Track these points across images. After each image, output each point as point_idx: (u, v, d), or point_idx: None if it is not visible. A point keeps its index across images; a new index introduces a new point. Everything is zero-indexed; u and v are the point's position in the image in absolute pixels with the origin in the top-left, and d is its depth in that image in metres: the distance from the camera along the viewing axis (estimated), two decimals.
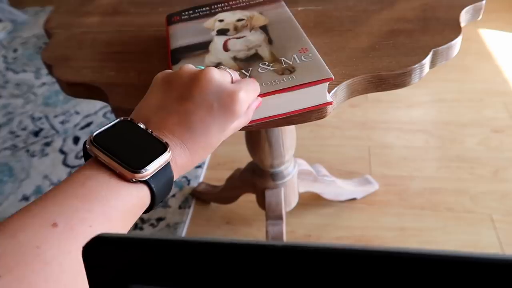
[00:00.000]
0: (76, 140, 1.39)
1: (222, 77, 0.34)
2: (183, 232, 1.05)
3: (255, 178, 0.87)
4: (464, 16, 0.51)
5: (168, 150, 0.29)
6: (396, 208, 1.04)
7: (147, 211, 0.30)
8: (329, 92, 0.40)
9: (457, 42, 0.46)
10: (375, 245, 0.94)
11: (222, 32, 0.48)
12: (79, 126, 1.45)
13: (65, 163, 1.30)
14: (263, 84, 0.39)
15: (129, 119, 0.32)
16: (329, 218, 1.04)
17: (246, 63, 0.42)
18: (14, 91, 1.68)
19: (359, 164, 1.17)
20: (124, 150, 0.29)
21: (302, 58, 0.41)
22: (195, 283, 0.14)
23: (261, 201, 0.89)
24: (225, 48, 0.45)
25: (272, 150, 0.77)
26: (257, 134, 0.75)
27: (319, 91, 0.39)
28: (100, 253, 0.15)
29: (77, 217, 0.24)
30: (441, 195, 1.06)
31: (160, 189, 0.29)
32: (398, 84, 0.43)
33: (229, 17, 0.50)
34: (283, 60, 0.41)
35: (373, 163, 1.17)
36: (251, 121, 0.39)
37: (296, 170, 0.87)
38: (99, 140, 0.29)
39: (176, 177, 0.31)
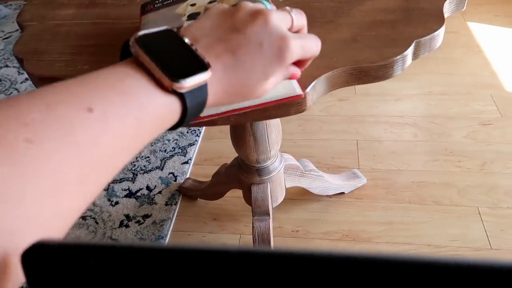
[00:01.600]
0: None
1: (282, 20, 0.33)
2: (170, 229, 1.03)
3: (241, 173, 0.85)
4: (448, 7, 0.50)
5: (208, 70, 0.28)
6: (384, 202, 1.04)
7: (173, 128, 0.30)
8: (307, 85, 0.39)
9: (440, 33, 0.45)
10: (360, 242, 0.94)
11: (192, 17, 0.46)
12: None
13: None
14: None
15: (175, 30, 0.30)
16: (317, 213, 1.03)
17: None
18: None
19: (347, 158, 1.16)
20: (166, 57, 0.27)
21: None
22: None
23: (248, 197, 0.88)
24: None
25: (257, 145, 0.76)
26: (242, 129, 0.74)
27: (285, 84, 0.38)
28: (41, 264, 0.14)
29: (113, 111, 0.23)
30: (428, 188, 1.06)
31: (192, 107, 0.28)
32: (380, 76, 0.42)
33: (201, 1, 0.49)
34: None
35: (361, 157, 1.16)
36: (223, 113, 0.37)
37: (283, 165, 0.86)
38: (144, 41, 0.28)
39: (208, 106, 0.30)
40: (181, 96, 0.27)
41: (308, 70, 0.41)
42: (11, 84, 1.65)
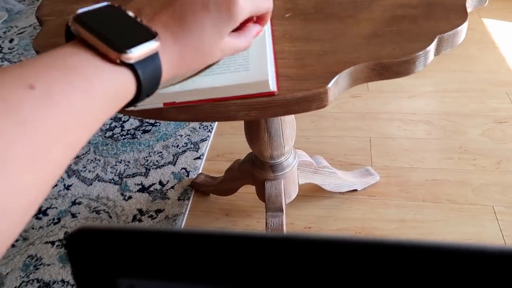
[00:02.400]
0: None
1: None
2: (182, 224, 1.04)
3: (255, 169, 0.85)
4: (471, 2, 0.49)
5: (156, 38, 0.28)
6: (397, 199, 1.03)
7: (131, 103, 0.29)
8: (329, 81, 0.39)
9: (463, 28, 0.44)
10: (374, 236, 0.93)
11: None
12: None
13: None
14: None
15: (117, 5, 0.30)
16: (329, 210, 1.03)
17: None
18: None
19: (360, 155, 1.16)
20: (110, 31, 0.26)
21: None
22: (185, 275, 0.13)
23: (261, 193, 0.88)
24: None
25: (272, 141, 0.76)
26: (257, 125, 0.74)
27: (259, 77, 0.38)
28: (84, 246, 0.14)
29: (57, 86, 0.23)
30: (443, 186, 1.04)
31: (146, 79, 0.27)
32: (402, 72, 0.42)
33: None
34: None
35: (374, 154, 1.15)
36: (195, 101, 0.38)
37: (296, 162, 0.86)
38: (83, 19, 0.27)
39: (165, 77, 0.30)
40: (132, 68, 0.27)
41: (330, 66, 0.41)
42: None
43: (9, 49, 1.89)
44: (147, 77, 0.27)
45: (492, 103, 1.26)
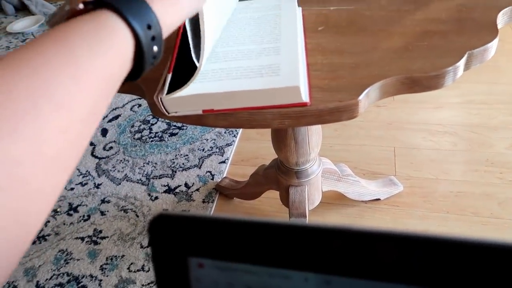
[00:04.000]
0: (104, 132, 1.43)
1: None
2: None
3: (280, 175, 0.87)
4: (501, 18, 0.50)
5: None
6: (421, 210, 1.03)
7: (141, 59, 0.26)
8: (360, 93, 0.41)
9: (493, 45, 0.46)
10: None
11: None
12: (107, 119, 1.49)
13: (93, 154, 1.34)
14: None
15: None
16: (352, 218, 1.04)
17: None
18: None
19: (383, 164, 1.16)
20: None
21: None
22: (245, 257, 0.16)
23: (285, 198, 0.90)
24: None
25: (298, 148, 0.78)
26: (284, 132, 0.76)
27: (293, 92, 0.40)
28: (163, 229, 0.16)
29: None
30: (467, 199, 1.04)
31: (129, 9, 0.25)
32: (431, 86, 0.43)
33: None
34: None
35: (398, 164, 1.15)
36: (232, 109, 0.40)
37: (321, 169, 0.87)
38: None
39: (170, 15, 0.28)
40: (111, 8, 0.24)
41: (361, 78, 0.43)
42: None
43: None
44: (130, 11, 0.25)
45: None
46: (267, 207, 1.09)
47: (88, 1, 0.24)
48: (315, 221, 0.15)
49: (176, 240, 0.16)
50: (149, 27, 0.26)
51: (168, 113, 0.43)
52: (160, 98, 0.42)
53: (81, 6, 0.24)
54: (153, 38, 0.27)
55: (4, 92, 0.18)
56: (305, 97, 0.40)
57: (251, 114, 0.41)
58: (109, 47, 0.23)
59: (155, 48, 0.27)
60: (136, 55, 0.26)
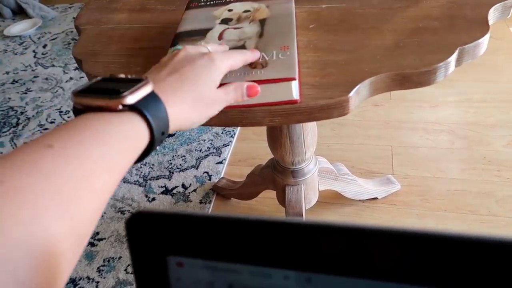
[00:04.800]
0: None
1: (196, 48, 0.40)
2: None
3: (276, 174, 0.87)
4: (493, 14, 0.50)
5: (145, 79, 0.31)
6: (418, 209, 1.03)
7: (150, 148, 0.31)
8: (350, 90, 0.41)
9: (484, 41, 0.45)
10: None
11: (225, 21, 0.50)
12: None
13: None
14: (233, 75, 0.42)
15: (109, 75, 0.34)
16: (349, 217, 1.04)
17: None
18: (43, 85, 1.74)
19: (381, 163, 1.16)
20: (104, 90, 0.30)
21: (280, 55, 0.43)
22: (227, 255, 0.15)
23: (281, 198, 0.90)
24: (220, 37, 0.48)
25: (293, 147, 0.78)
26: (279, 131, 0.76)
27: (284, 88, 0.40)
28: (141, 227, 0.16)
29: (72, 141, 0.25)
30: (465, 197, 1.04)
31: (154, 118, 0.30)
32: (422, 82, 0.43)
33: (239, 8, 0.52)
34: (262, 54, 0.44)
35: (395, 163, 1.15)
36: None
37: (317, 168, 0.87)
38: (80, 92, 0.31)
39: (172, 128, 0.33)
40: (136, 110, 0.29)
41: (352, 75, 0.42)
42: (56, 83, 1.74)
43: (42, 54, 1.97)
44: (154, 117, 0.30)
45: None
46: (264, 207, 1.09)
47: (126, 104, 0.29)
48: (294, 218, 0.15)
49: (154, 238, 0.16)
50: (163, 133, 0.32)
51: None
52: None
53: (120, 107, 0.29)
54: (161, 141, 0.33)
55: (53, 175, 0.23)
56: (295, 94, 0.40)
57: (242, 112, 0.41)
58: (134, 146, 0.29)
59: (159, 145, 0.33)
60: (147, 150, 0.32)
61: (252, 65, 0.42)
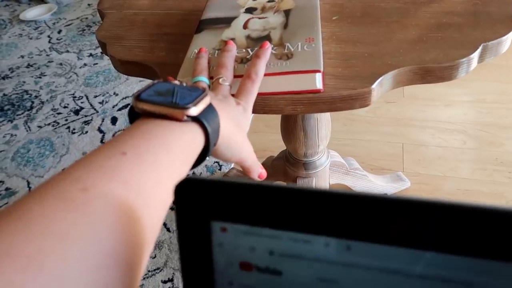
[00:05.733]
0: (114, 120, 1.44)
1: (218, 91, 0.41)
2: None
3: (288, 166, 0.88)
4: None
5: (205, 91, 0.33)
6: None
7: (204, 154, 0.32)
8: (373, 81, 0.41)
9: (508, 38, 0.46)
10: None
11: (249, 10, 0.50)
12: (117, 107, 1.50)
13: (103, 142, 1.36)
14: None
15: (165, 79, 0.35)
16: None
17: (256, 43, 0.45)
18: (58, 71, 1.75)
19: (391, 160, 1.16)
20: (169, 98, 0.31)
21: (305, 47, 0.43)
22: (269, 222, 0.16)
23: None
24: (245, 26, 0.48)
25: (307, 139, 0.78)
26: (294, 123, 0.76)
27: (308, 78, 0.41)
28: (188, 193, 0.17)
29: (142, 149, 0.27)
30: (475, 197, 1.04)
31: (211, 127, 0.32)
32: (445, 77, 0.43)
33: None
34: (287, 45, 0.44)
35: (406, 160, 1.15)
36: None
37: (329, 161, 0.88)
38: (143, 97, 0.31)
39: (224, 132, 0.34)
40: (197, 121, 0.31)
41: (374, 67, 0.43)
42: (70, 68, 1.76)
43: (57, 39, 1.99)
44: (211, 125, 0.32)
45: None
46: None
47: (190, 116, 0.30)
48: (336, 189, 0.16)
49: (200, 204, 0.17)
50: (215, 144, 0.34)
51: None
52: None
53: (185, 118, 0.30)
54: (216, 134, 0.34)
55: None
56: (319, 84, 0.41)
57: (264, 99, 0.42)
58: (194, 155, 0.31)
59: (216, 139, 0.34)
60: (198, 159, 0.33)
61: (278, 56, 0.42)
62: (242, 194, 0.16)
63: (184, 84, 0.33)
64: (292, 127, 0.78)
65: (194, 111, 0.30)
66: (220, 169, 1.19)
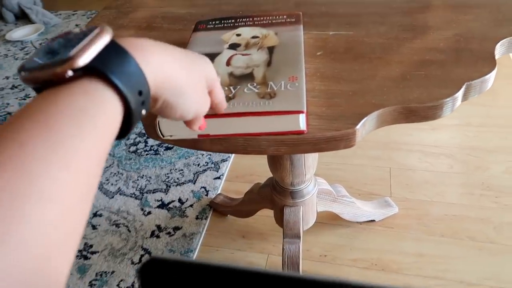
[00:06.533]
0: None
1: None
2: (199, 243, 1.05)
3: (274, 194, 0.86)
4: (499, 49, 0.50)
5: (100, 27, 0.24)
6: (416, 233, 1.02)
7: (130, 118, 0.25)
8: (357, 122, 0.40)
9: (491, 76, 0.46)
10: (389, 272, 0.92)
11: (233, 46, 0.50)
12: None
13: None
14: (241, 104, 0.41)
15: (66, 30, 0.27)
16: (346, 238, 1.03)
17: (238, 81, 0.45)
18: None
19: (379, 185, 1.16)
20: (56, 56, 0.23)
21: (288, 86, 0.43)
22: None
23: (279, 218, 0.89)
24: (228, 62, 0.47)
25: (294, 168, 0.77)
26: None
27: (291, 119, 0.40)
28: (154, 273, 0.16)
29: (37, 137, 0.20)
30: (463, 222, 1.03)
31: (122, 76, 0.23)
32: (429, 117, 0.43)
33: (247, 33, 0.52)
34: (271, 84, 0.43)
35: (393, 185, 1.15)
36: (228, 134, 0.41)
37: (316, 189, 0.87)
38: (27, 66, 0.24)
39: (157, 84, 0.26)
40: (96, 72, 0.23)
41: (358, 107, 0.42)
42: None
43: None
44: (119, 73, 0.23)
45: None
46: (261, 226, 1.08)
47: (77, 68, 0.23)
48: (305, 274, 0.15)
49: (167, 285, 0.16)
50: (140, 93, 0.25)
51: (163, 136, 0.42)
52: (158, 121, 0.41)
53: (70, 73, 0.22)
54: (142, 103, 0.25)
55: None
56: (302, 125, 0.40)
57: (246, 140, 0.41)
58: (100, 124, 0.22)
59: (143, 111, 0.26)
60: (125, 121, 0.25)
61: (261, 95, 0.42)
62: (209, 276, 0.15)
63: (83, 29, 0.25)
64: (278, 156, 0.77)
65: (82, 60, 0.22)
66: (207, 195, 1.18)
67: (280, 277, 0.15)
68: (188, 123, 0.34)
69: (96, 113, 0.22)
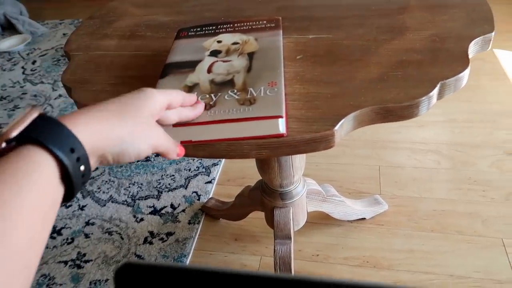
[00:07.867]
0: None
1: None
2: (192, 248, 1.06)
3: (264, 196, 0.87)
4: (473, 48, 0.51)
5: (31, 108, 0.28)
6: (405, 229, 1.04)
7: (70, 179, 0.27)
8: (335, 124, 0.41)
9: (464, 75, 0.47)
10: (381, 269, 0.93)
11: (214, 53, 0.51)
12: None
13: None
14: (222, 112, 0.42)
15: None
16: (338, 237, 1.04)
17: (219, 88, 0.45)
18: (32, 102, 1.72)
19: (368, 183, 1.17)
20: None
21: (268, 91, 0.44)
22: None
23: (270, 220, 0.90)
24: (209, 70, 0.48)
25: (282, 170, 0.78)
26: None
27: (271, 124, 0.41)
28: (129, 278, 0.16)
29: None
30: (451, 217, 1.05)
31: (53, 141, 0.26)
32: (406, 116, 0.44)
33: (227, 39, 0.53)
34: (250, 90, 0.44)
35: (383, 183, 1.16)
36: (210, 140, 0.42)
37: (305, 190, 0.88)
38: None
39: (95, 149, 0.29)
40: (28, 141, 0.26)
41: (337, 108, 0.43)
42: (45, 100, 1.73)
43: (31, 70, 1.97)
44: (50, 139, 0.26)
45: (502, 134, 1.27)
46: (253, 228, 1.09)
47: (10, 139, 0.25)
48: (282, 275, 0.15)
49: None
50: (72, 150, 0.28)
51: None
52: None
53: (3, 145, 0.25)
54: (78, 159, 0.28)
55: None
56: (282, 129, 0.41)
57: (229, 145, 0.41)
58: (36, 180, 0.25)
59: (82, 168, 0.29)
60: (65, 178, 0.27)
61: (240, 101, 0.43)
62: (185, 279, 0.16)
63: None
64: (266, 159, 0.78)
65: (14, 132, 0.25)
66: (198, 199, 1.18)
67: (254, 278, 0.15)
68: (163, 155, 0.37)
69: (32, 171, 0.25)
